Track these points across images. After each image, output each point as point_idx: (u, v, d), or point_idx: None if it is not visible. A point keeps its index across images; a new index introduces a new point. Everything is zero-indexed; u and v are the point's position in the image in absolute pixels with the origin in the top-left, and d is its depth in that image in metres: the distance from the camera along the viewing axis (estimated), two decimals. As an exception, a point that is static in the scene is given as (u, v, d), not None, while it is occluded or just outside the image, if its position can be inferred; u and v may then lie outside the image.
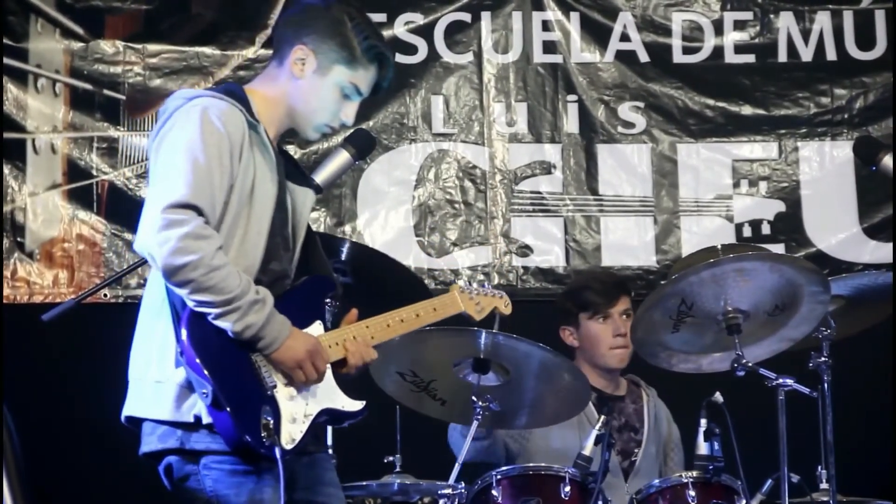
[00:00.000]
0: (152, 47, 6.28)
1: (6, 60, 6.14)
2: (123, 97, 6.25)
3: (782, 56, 6.46)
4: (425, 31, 6.39)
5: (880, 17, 6.43)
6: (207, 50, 6.30)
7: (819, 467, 4.80)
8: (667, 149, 6.40)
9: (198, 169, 3.39)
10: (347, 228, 6.24)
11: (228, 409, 3.32)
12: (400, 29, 6.36)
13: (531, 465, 4.80)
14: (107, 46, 6.27)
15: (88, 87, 6.24)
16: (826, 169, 6.40)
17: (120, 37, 6.29)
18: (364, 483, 4.71)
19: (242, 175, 3.48)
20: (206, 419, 3.37)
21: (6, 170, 6.12)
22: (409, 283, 5.07)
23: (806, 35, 6.45)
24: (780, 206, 6.38)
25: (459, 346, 4.66)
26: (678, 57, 6.46)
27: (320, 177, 4.36)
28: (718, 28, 6.46)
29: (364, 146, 4.58)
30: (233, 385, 3.35)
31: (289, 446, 3.41)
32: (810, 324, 4.59)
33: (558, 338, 5.31)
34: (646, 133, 6.41)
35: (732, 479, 4.53)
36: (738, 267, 4.45)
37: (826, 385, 4.63)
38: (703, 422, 4.47)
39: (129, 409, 3.52)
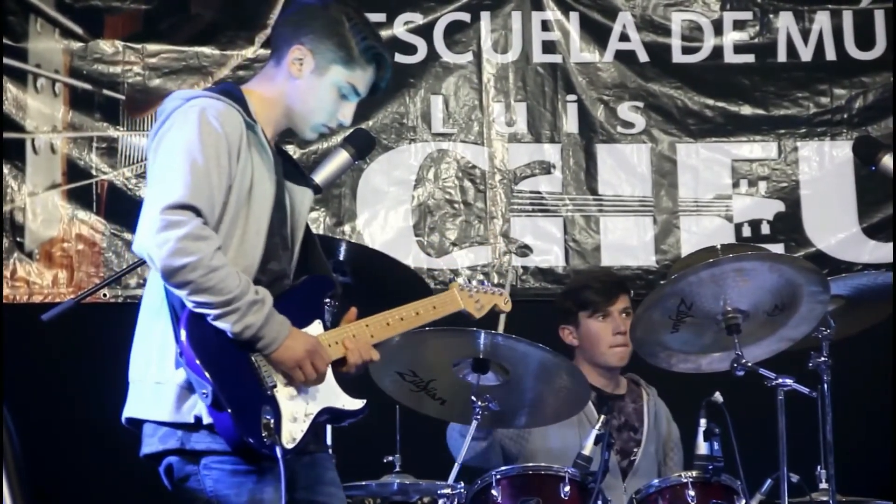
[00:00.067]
0: (152, 47, 6.28)
1: (6, 60, 6.14)
2: (123, 97, 6.25)
3: (782, 56, 6.46)
4: (425, 31, 6.39)
5: (880, 17, 6.43)
6: (207, 50, 6.30)
7: (818, 467, 4.81)
8: (666, 149, 6.40)
9: (196, 170, 3.39)
10: (347, 228, 6.24)
11: (229, 409, 3.33)
12: (399, 29, 6.36)
13: (531, 464, 4.80)
14: (106, 46, 6.27)
15: (88, 86, 6.24)
16: (825, 169, 6.41)
17: (119, 37, 6.29)
18: (363, 483, 4.71)
19: (240, 175, 3.48)
20: (207, 420, 3.37)
21: (6, 170, 6.12)
22: (409, 282, 5.06)
23: (805, 35, 6.45)
24: (779, 206, 6.38)
25: (459, 346, 4.66)
26: (678, 57, 6.46)
27: (320, 177, 4.36)
28: (718, 28, 6.46)
29: (363, 146, 4.58)
30: (233, 385, 3.36)
31: (290, 445, 3.41)
32: (810, 324, 4.59)
33: (558, 338, 5.31)
34: (645, 133, 6.41)
35: (732, 479, 4.53)
36: (738, 267, 4.45)
37: (825, 385, 4.63)
38: (703, 422, 4.47)
39: (130, 410, 3.52)
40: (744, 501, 4.54)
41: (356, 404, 3.59)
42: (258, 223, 3.52)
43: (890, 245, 6.23)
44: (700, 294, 4.48)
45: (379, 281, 4.82)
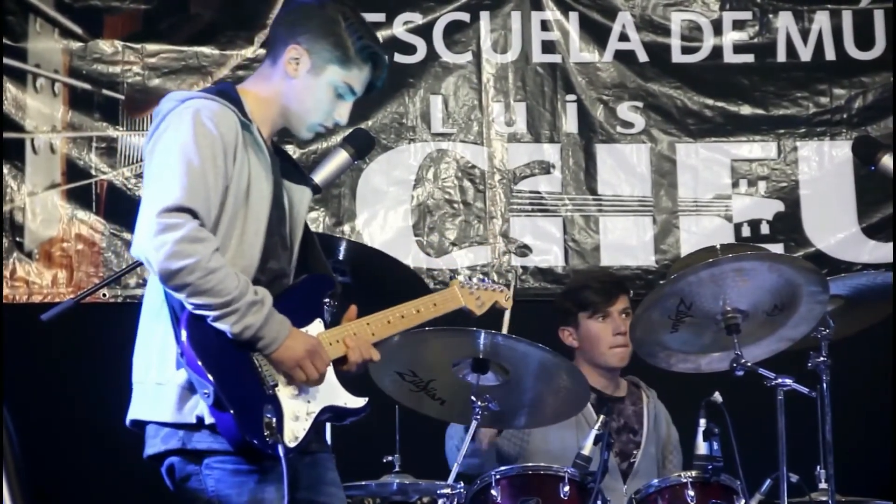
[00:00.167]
0: (151, 47, 6.28)
1: (5, 60, 6.14)
2: (122, 97, 6.25)
3: (781, 56, 6.46)
4: (424, 31, 6.39)
5: (879, 17, 6.43)
6: (206, 50, 6.30)
7: (818, 467, 4.81)
8: (666, 148, 6.40)
9: (192, 171, 3.39)
10: (346, 228, 6.24)
11: (231, 409, 3.33)
12: (399, 29, 6.36)
13: (530, 464, 4.80)
14: (106, 46, 6.27)
15: (87, 86, 6.24)
16: (825, 169, 6.41)
17: (119, 36, 6.29)
18: (363, 483, 4.71)
19: (237, 176, 3.48)
20: (209, 420, 3.38)
21: (5, 169, 6.12)
22: (409, 281, 5.06)
23: (805, 35, 6.45)
24: (778, 206, 6.38)
25: (458, 345, 4.66)
26: (677, 57, 6.46)
27: (319, 176, 4.36)
28: (717, 28, 6.46)
29: (363, 146, 4.58)
30: (234, 385, 3.36)
31: (292, 444, 3.41)
32: (809, 324, 4.59)
33: (557, 338, 5.31)
34: (645, 133, 6.41)
35: (731, 479, 4.53)
36: (737, 267, 4.45)
37: (825, 385, 4.63)
38: (703, 422, 4.47)
39: (133, 412, 3.52)
40: (743, 501, 4.54)
41: (358, 402, 3.60)
42: (256, 223, 3.52)
43: (889, 245, 6.23)
44: (699, 294, 4.48)
45: (378, 280, 4.82)
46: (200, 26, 6.32)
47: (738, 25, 6.48)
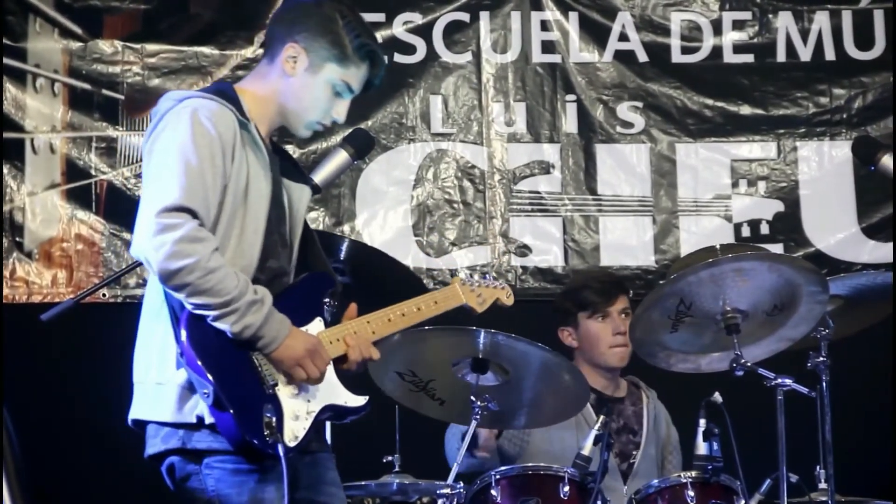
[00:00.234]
0: (151, 47, 6.28)
1: (5, 60, 6.14)
2: (122, 97, 6.25)
3: (781, 56, 6.46)
4: (424, 31, 6.39)
5: (879, 17, 6.43)
6: (206, 50, 6.30)
7: (818, 467, 4.81)
8: (665, 148, 6.40)
9: (190, 171, 3.39)
10: (346, 228, 6.24)
11: (231, 409, 3.32)
12: (398, 29, 6.36)
13: (530, 464, 4.80)
14: (105, 46, 6.27)
15: (87, 86, 6.24)
16: (825, 169, 6.41)
17: (118, 36, 6.29)
18: (363, 483, 4.71)
19: (236, 175, 3.48)
20: (209, 420, 3.38)
21: (5, 169, 6.12)
22: (409, 281, 5.06)
23: (805, 35, 6.45)
24: (778, 206, 6.38)
25: (458, 345, 4.66)
26: (677, 57, 6.46)
27: (319, 176, 4.36)
28: (717, 28, 6.46)
29: (363, 146, 4.58)
30: (234, 385, 3.35)
31: (292, 443, 3.41)
32: (809, 324, 4.59)
33: (557, 338, 5.31)
34: (644, 133, 6.41)
35: (731, 479, 4.53)
36: (737, 267, 4.45)
37: (825, 385, 4.63)
38: (702, 422, 4.47)
39: (134, 412, 3.52)
40: (743, 501, 4.54)
41: (358, 401, 3.59)
42: (256, 222, 3.52)
43: (889, 245, 6.23)
44: (699, 294, 4.48)
45: (378, 280, 4.82)
46: (200, 26, 6.32)
47: (738, 25, 6.48)
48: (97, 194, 6.18)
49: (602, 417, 4.54)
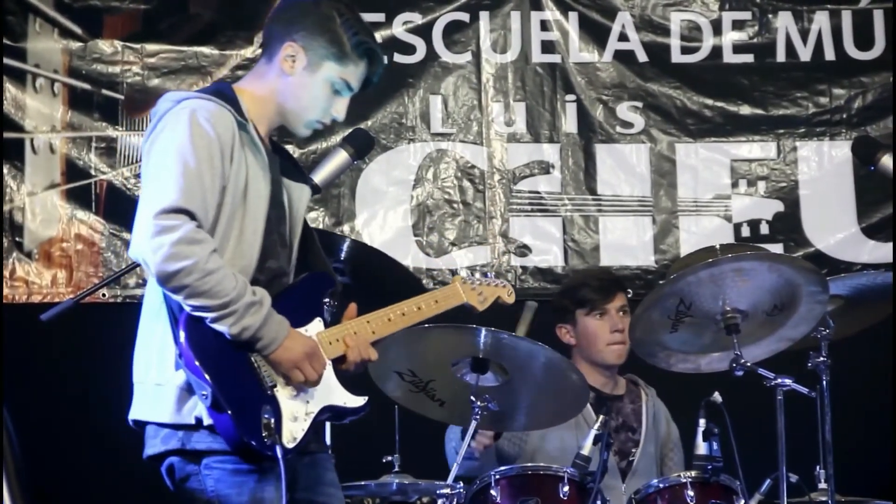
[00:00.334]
0: (151, 47, 6.28)
1: (5, 60, 6.14)
2: (122, 97, 6.24)
3: (781, 56, 6.46)
4: (424, 31, 6.39)
5: (879, 17, 6.43)
6: (206, 50, 6.30)
7: (817, 467, 4.80)
8: (665, 148, 6.40)
9: (188, 173, 3.39)
10: (346, 228, 6.24)
11: (229, 410, 3.32)
12: (398, 29, 6.36)
13: (529, 464, 4.80)
14: (105, 46, 6.27)
15: (87, 86, 6.24)
16: (825, 169, 6.41)
17: (118, 36, 6.29)
18: (363, 483, 4.71)
19: (234, 176, 3.48)
20: (207, 421, 3.37)
21: (5, 169, 6.12)
22: (408, 282, 5.06)
23: (804, 35, 6.45)
24: (778, 206, 6.38)
25: (458, 344, 4.65)
26: (677, 57, 6.46)
27: (319, 176, 4.36)
28: (717, 28, 6.46)
29: (363, 146, 4.58)
30: (232, 386, 3.35)
31: (290, 445, 3.41)
32: (809, 324, 4.59)
33: (557, 338, 5.31)
34: (644, 133, 6.41)
35: (731, 479, 4.53)
36: (737, 267, 4.45)
37: (824, 385, 4.63)
38: (702, 422, 4.47)
39: (134, 412, 3.53)
40: (743, 501, 4.54)
41: (358, 401, 3.59)
42: (255, 222, 3.51)
43: (889, 245, 6.23)
44: (699, 294, 4.48)
45: (378, 281, 4.82)
46: (200, 26, 6.32)
47: (738, 25, 6.48)
48: (97, 194, 6.18)
49: (602, 417, 4.54)
